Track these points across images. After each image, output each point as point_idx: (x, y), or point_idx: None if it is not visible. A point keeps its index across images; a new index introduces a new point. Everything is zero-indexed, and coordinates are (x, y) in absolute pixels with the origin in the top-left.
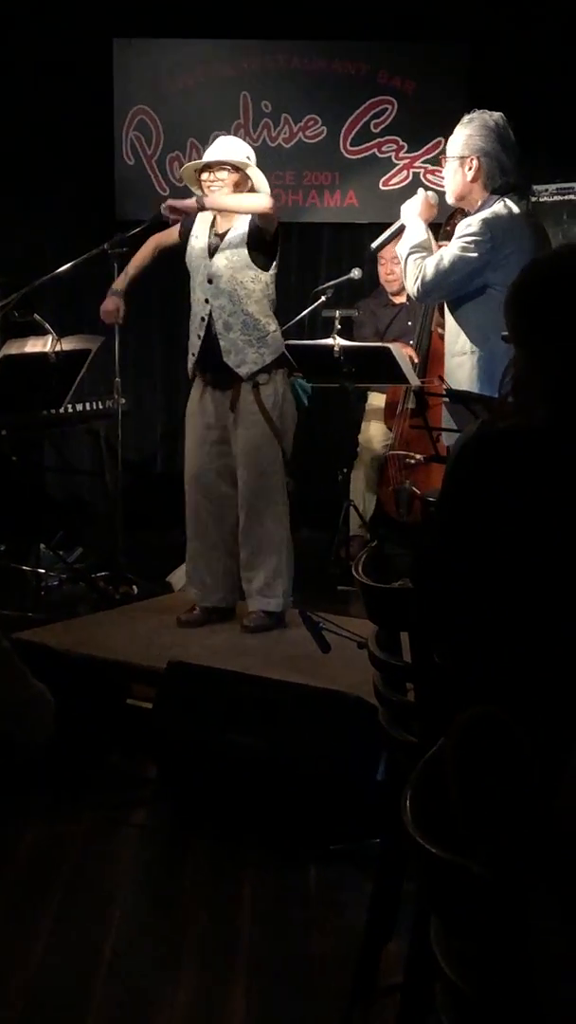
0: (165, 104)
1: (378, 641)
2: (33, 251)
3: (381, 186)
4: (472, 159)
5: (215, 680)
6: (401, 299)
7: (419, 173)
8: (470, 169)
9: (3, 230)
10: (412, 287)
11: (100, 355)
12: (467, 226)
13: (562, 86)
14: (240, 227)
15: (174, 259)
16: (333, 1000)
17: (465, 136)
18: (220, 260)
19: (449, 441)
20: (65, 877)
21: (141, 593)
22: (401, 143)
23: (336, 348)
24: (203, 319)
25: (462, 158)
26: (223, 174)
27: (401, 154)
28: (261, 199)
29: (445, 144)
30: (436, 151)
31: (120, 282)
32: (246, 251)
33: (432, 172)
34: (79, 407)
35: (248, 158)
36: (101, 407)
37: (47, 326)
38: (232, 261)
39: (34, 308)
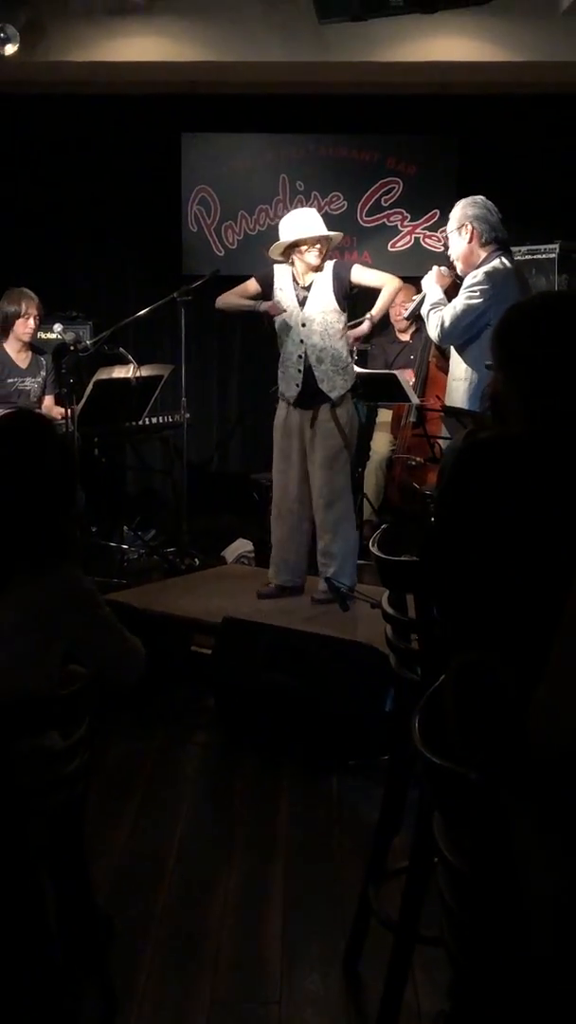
0: (222, 183)
1: (389, 601)
2: (119, 299)
3: (389, 248)
4: (466, 225)
5: (260, 632)
6: (405, 337)
7: (419, 237)
8: (466, 233)
9: (96, 283)
10: (435, 333)
11: (170, 379)
12: (472, 277)
13: (531, 170)
14: (324, 279)
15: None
16: (352, 881)
17: (458, 212)
18: (311, 307)
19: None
20: (143, 782)
21: (201, 564)
22: (405, 214)
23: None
24: (300, 356)
25: (459, 227)
26: (317, 245)
27: (405, 223)
28: (391, 283)
29: (440, 215)
30: (433, 219)
31: (248, 302)
32: (333, 298)
33: (430, 237)
34: (154, 420)
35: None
36: (170, 420)
37: (129, 357)
38: (322, 307)
39: (119, 343)
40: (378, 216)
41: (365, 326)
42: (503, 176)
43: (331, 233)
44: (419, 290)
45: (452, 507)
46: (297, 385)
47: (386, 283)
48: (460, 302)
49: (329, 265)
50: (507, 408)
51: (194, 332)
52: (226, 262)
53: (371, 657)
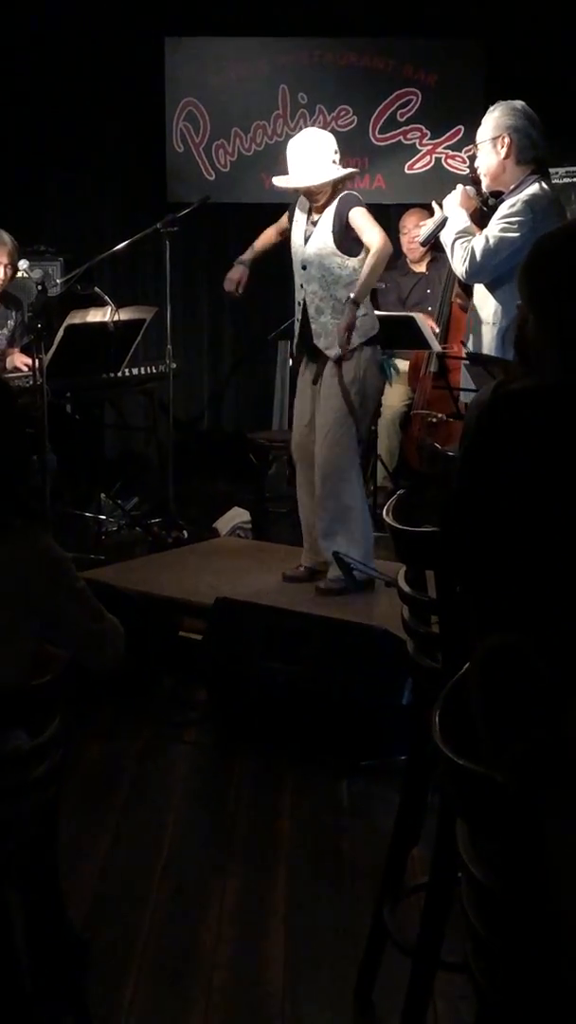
0: (211, 96)
1: (406, 578)
2: (93, 231)
3: (406, 170)
4: (503, 137)
5: (257, 614)
6: (420, 268)
7: (441, 158)
8: (502, 147)
9: (66, 213)
10: (460, 269)
11: (153, 324)
12: (510, 206)
13: (569, 77)
14: (327, 215)
15: (225, 239)
16: (364, 899)
17: (493, 119)
18: (311, 247)
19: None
20: (125, 787)
21: (191, 537)
22: (424, 131)
23: None
24: (299, 303)
25: (494, 139)
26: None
27: (424, 141)
28: (373, 250)
29: (465, 132)
30: (456, 137)
31: (247, 255)
32: (331, 238)
33: (452, 157)
34: (135, 371)
35: (335, 153)
36: (154, 371)
37: (106, 298)
38: (320, 248)
39: (94, 282)
40: (393, 133)
41: (346, 313)
42: (538, 86)
43: (309, 184)
44: (431, 214)
45: (478, 469)
46: (295, 336)
47: (371, 245)
48: (494, 233)
49: (338, 197)
50: (539, 355)
51: (181, 269)
52: (217, 187)
53: (386, 643)
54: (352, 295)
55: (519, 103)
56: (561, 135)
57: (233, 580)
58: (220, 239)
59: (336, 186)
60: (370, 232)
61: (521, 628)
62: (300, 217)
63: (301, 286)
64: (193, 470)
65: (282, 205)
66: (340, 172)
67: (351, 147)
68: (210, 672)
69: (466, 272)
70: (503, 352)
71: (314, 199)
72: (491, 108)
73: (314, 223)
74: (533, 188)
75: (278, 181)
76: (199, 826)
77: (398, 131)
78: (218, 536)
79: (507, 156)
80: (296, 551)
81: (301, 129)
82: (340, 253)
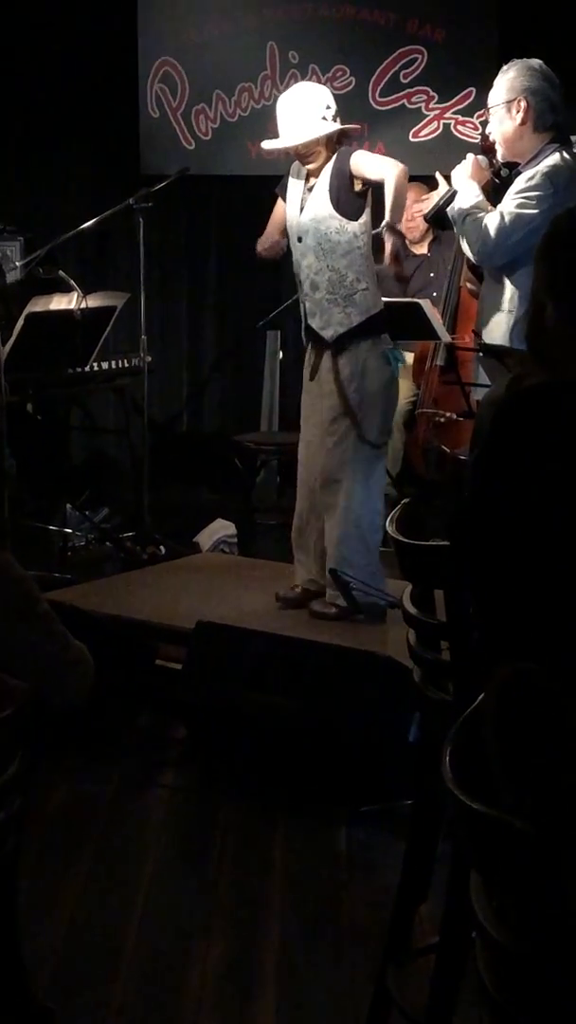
0: (190, 56)
1: (412, 599)
2: (57, 207)
3: (411, 138)
4: (519, 100)
5: (244, 640)
6: (421, 249)
7: (450, 124)
8: (519, 111)
9: (28, 186)
10: (473, 250)
11: (126, 312)
12: (528, 179)
13: None
14: (324, 177)
15: (206, 216)
16: (366, 962)
17: (507, 80)
18: (307, 214)
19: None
20: (94, 839)
21: (168, 553)
22: (431, 93)
23: None
24: (299, 283)
25: (508, 102)
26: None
27: (431, 105)
28: (391, 171)
29: (476, 95)
30: (467, 101)
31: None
32: (328, 199)
33: (463, 123)
34: (104, 365)
35: (327, 108)
36: (127, 365)
37: (72, 283)
38: (315, 213)
39: (59, 264)
40: (396, 96)
41: (387, 243)
42: (557, 44)
43: (295, 143)
44: (433, 188)
45: (492, 475)
46: (296, 319)
47: (385, 174)
48: (509, 209)
49: (335, 155)
50: (560, 346)
51: (157, 250)
52: (198, 157)
53: (390, 672)
54: (387, 220)
55: (536, 62)
56: None
57: (216, 602)
58: (201, 216)
59: (331, 145)
60: (379, 164)
61: (542, 655)
62: (295, 186)
63: (298, 262)
64: (171, 477)
65: (273, 178)
66: (330, 127)
67: (349, 112)
68: (191, 706)
69: (478, 253)
70: (519, 343)
71: (307, 161)
72: (504, 68)
73: (310, 189)
74: (554, 158)
75: (267, 144)
76: (179, 881)
77: (401, 94)
78: (199, 552)
79: (524, 122)
80: (288, 568)
81: None
82: (338, 215)
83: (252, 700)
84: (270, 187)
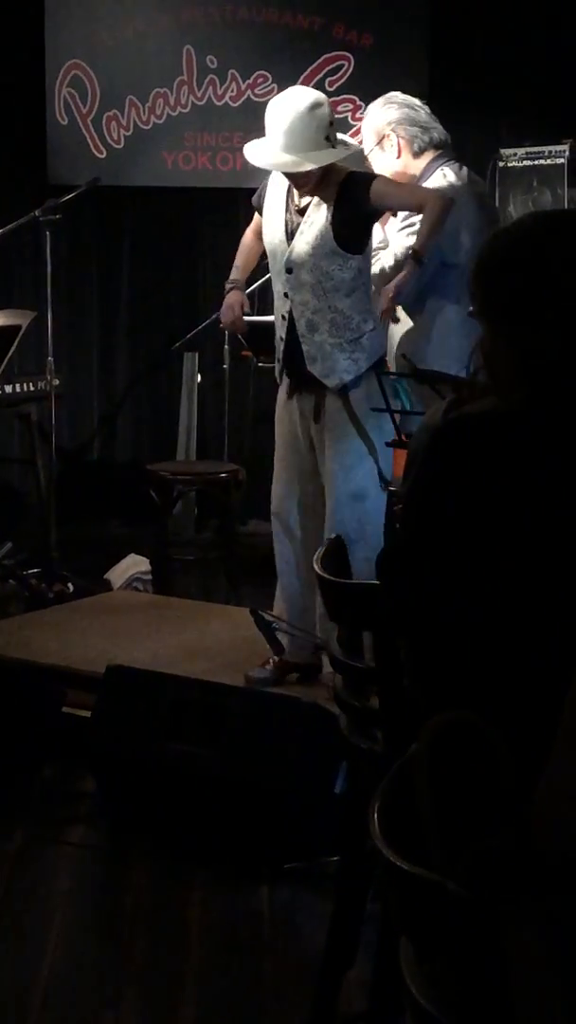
0: (102, 59)
1: (339, 641)
2: None
3: None
4: (388, 135)
5: (159, 686)
6: None
7: None
8: (392, 146)
9: None
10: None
11: (31, 332)
12: (408, 214)
13: (532, 38)
14: (325, 199)
15: (118, 230)
16: None
17: (370, 123)
18: (300, 244)
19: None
20: None
21: (77, 592)
22: (358, 103)
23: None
24: (284, 317)
25: (379, 142)
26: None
27: (358, 114)
28: (435, 204)
29: None
30: None
31: (236, 274)
32: (331, 231)
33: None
34: (8, 388)
35: (330, 127)
36: (32, 388)
37: None
38: (313, 245)
39: None
40: None
41: (405, 268)
42: (491, 51)
43: (298, 169)
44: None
45: (425, 509)
46: (279, 360)
47: (425, 205)
48: (400, 244)
49: (341, 178)
50: (500, 370)
51: (66, 266)
52: (109, 167)
53: (315, 719)
54: (415, 247)
55: (391, 94)
56: (521, 111)
57: (129, 644)
58: (113, 230)
59: (329, 167)
60: (415, 195)
61: (478, 702)
62: (276, 201)
63: (285, 295)
64: (80, 510)
65: (194, 190)
66: (342, 152)
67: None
68: (101, 756)
69: (391, 301)
70: (447, 365)
71: (299, 183)
72: (366, 115)
73: (300, 211)
74: (436, 178)
75: (254, 159)
76: (86, 948)
77: None
78: (111, 590)
79: (399, 154)
80: (206, 608)
81: (210, 98)
82: (341, 251)
83: (167, 750)
84: (193, 198)
